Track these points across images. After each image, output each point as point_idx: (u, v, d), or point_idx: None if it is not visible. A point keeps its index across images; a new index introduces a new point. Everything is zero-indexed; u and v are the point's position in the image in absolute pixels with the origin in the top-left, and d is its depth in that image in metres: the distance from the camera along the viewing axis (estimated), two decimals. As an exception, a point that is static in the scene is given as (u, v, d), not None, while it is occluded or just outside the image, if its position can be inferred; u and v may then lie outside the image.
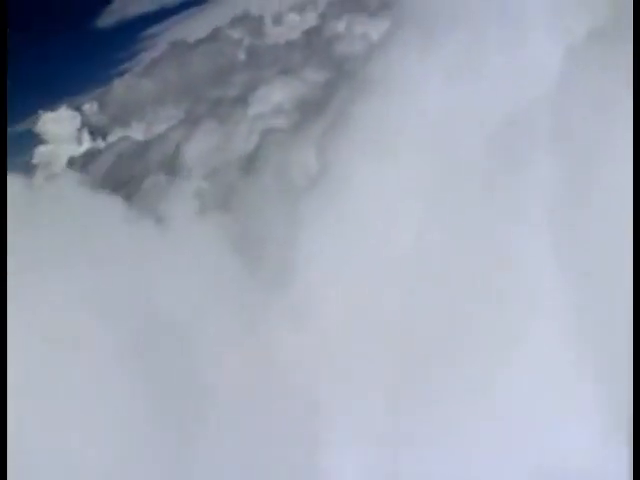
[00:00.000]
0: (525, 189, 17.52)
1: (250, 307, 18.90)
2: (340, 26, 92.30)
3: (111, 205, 20.58)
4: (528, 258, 16.32)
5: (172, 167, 74.21)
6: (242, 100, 78.99)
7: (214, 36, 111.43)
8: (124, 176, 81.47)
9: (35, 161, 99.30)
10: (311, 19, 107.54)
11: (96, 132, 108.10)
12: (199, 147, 72.18)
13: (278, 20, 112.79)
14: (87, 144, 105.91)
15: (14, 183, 18.38)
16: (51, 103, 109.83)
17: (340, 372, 16.37)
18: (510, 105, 18.49)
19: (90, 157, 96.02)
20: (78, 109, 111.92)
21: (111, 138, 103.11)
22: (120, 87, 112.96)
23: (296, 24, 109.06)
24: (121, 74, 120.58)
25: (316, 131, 24.94)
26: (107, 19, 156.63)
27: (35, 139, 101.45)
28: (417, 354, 15.94)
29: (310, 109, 63.75)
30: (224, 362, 17.10)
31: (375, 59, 24.53)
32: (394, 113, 20.13)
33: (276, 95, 74.93)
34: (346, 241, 18.93)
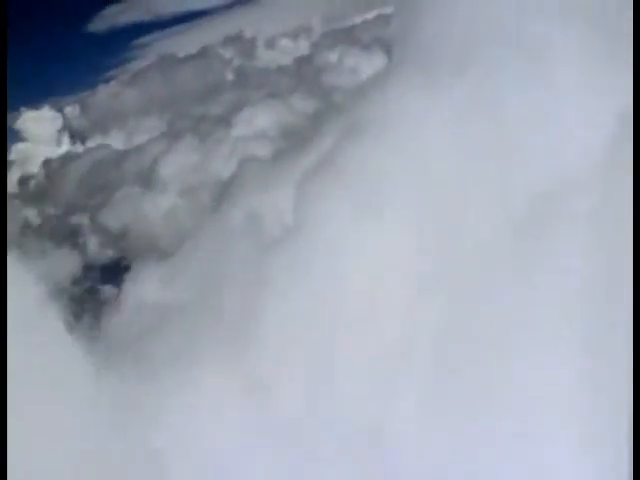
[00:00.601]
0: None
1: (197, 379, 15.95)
2: (332, 57, 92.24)
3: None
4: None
5: (148, 180, 73.21)
6: (226, 120, 78.33)
7: (204, 53, 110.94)
8: (99, 183, 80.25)
9: (12, 158, 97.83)
10: (304, 47, 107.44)
11: (76, 136, 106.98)
12: (177, 163, 71.28)
13: (271, 44, 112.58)
14: (66, 147, 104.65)
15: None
16: (34, 101, 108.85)
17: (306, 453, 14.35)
18: (538, 170, 15.27)
19: (67, 160, 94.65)
20: (60, 111, 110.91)
21: (90, 143, 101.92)
22: (104, 93, 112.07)
23: (288, 50, 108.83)
24: (107, 80, 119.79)
25: (297, 169, 22.15)
26: (99, 24, 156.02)
27: (14, 136, 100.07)
28: (388, 449, 14.05)
29: (294, 139, 63.15)
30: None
31: (370, 95, 21.96)
32: (388, 162, 17.40)
33: (261, 119, 74.34)
34: (313, 310, 16.02)
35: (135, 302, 24.67)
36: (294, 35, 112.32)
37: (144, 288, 24.81)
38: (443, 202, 16.30)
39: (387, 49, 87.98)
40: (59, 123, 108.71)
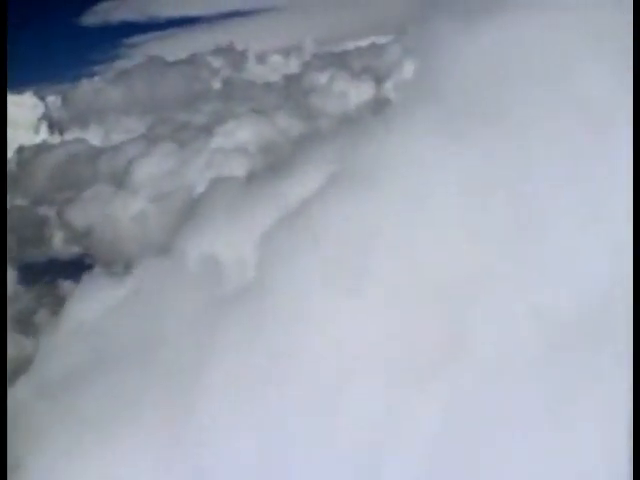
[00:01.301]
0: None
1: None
2: (321, 79, 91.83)
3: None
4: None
5: (120, 181, 71.83)
6: (207, 130, 77.29)
7: (193, 60, 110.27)
8: (70, 178, 78.74)
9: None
10: (294, 66, 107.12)
11: (55, 126, 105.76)
12: (152, 167, 70.01)
13: (261, 59, 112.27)
14: (43, 136, 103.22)
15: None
16: (18, 86, 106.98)
17: None
18: (566, 285, 12.12)
19: (42, 150, 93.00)
20: (43, 99, 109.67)
21: (68, 136, 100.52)
22: (88, 88, 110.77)
23: (278, 67, 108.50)
24: (91, 75, 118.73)
25: (269, 209, 18.94)
26: (92, 18, 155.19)
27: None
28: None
29: (273, 158, 62.27)
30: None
31: (369, 135, 17.62)
32: (376, 223, 14.06)
33: (242, 133, 73.37)
34: (264, 377, 13.45)
35: (75, 324, 22.40)
36: (285, 52, 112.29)
37: (87, 308, 22.53)
38: (436, 289, 13.10)
39: (377, 79, 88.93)
40: (40, 111, 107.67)
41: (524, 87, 14.52)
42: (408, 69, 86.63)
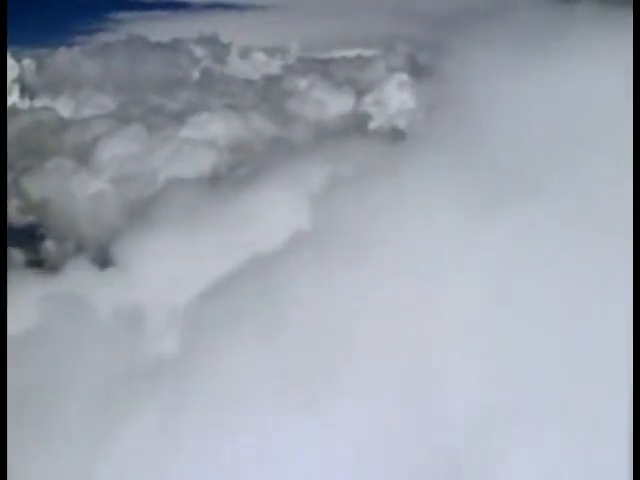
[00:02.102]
0: None
1: None
2: (302, 84, 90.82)
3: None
4: None
5: (84, 157, 70.09)
6: (179, 118, 75.98)
7: (175, 45, 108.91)
8: (32, 146, 76.60)
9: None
10: (276, 66, 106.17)
11: (26, 91, 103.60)
12: (118, 148, 68.42)
13: (245, 55, 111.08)
14: (13, 99, 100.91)
15: None
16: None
17: None
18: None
19: (10, 113, 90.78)
20: (19, 61, 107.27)
21: (38, 103, 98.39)
22: (65, 57, 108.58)
23: (260, 65, 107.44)
24: (70, 45, 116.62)
25: (216, 259, 15.99)
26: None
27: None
28: None
29: (242, 158, 61.12)
30: None
31: (361, 184, 14.83)
32: (349, 307, 11.69)
33: (214, 127, 72.21)
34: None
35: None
36: (269, 52, 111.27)
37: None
38: (413, 406, 11.10)
39: (358, 92, 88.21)
40: (14, 73, 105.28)
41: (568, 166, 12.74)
42: (391, 86, 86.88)
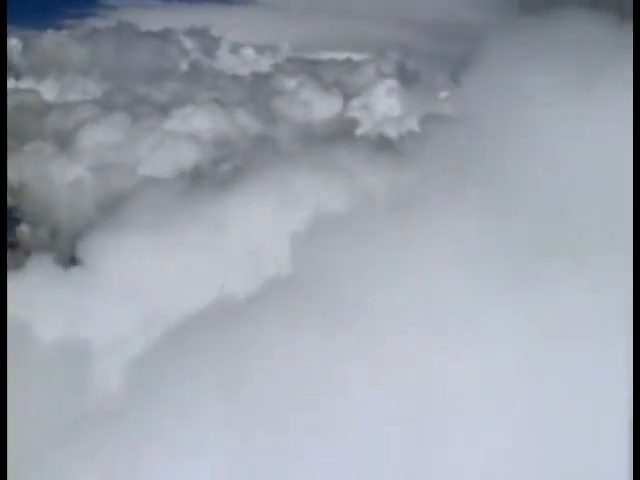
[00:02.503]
0: None
1: None
2: (290, 84, 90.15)
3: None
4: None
5: (64, 142, 69.02)
6: (164, 110, 75.06)
7: (166, 35, 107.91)
8: (13, 127, 75.41)
9: None
10: (266, 64, 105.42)
11: (11, 71, 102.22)
12: (100, 135, 67.42)
13: (235, 50, 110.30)
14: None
15: None
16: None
17: None
18: None
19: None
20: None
21: (22, 85, 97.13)
22: (52, 40, 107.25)
23: (249, 62, 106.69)
24: (59, 28, 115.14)
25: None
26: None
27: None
28: None
29: (224, 155, 60.19)
30: None
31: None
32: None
33: (199, 121, 71.41)
34: None
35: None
36: (260, 49, 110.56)
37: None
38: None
39: (346, 95, 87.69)
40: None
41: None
42: (379, 92, 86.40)
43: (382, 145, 52.73)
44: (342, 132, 72.36)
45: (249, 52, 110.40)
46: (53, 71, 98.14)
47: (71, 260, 21.69)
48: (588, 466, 10.18)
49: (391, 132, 68.28)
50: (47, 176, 63.13)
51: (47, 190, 61.83)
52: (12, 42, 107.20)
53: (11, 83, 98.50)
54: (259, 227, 14.07)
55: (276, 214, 14.40)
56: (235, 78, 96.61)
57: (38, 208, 60.64)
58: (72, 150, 66.66)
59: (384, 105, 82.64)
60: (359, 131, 75.41)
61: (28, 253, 54.15)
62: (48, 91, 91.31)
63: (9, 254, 50.61)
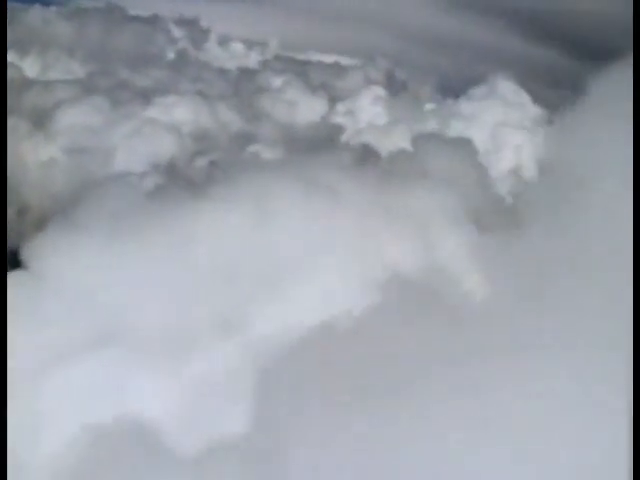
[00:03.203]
0: None
1: None
2: (275, 82, 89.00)
3: None
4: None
5: (40, 120, 67.43)
6: (145, 97, 73.61)
7: (154, 22, 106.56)
8: (-10, 102, 73.75)
9: None
10: (253, 60, 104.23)
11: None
12: (78, 117, 65.99)
13: (223, 43, 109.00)
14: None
15: None
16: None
17: None
18: None
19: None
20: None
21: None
22: (38, 16, 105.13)
23: (237, 56, 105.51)
24: (47, 4, 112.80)
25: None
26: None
27: None
28: None
29: (203, 147, 58.98)
30: None
31: None
32: None
33: (180, 112, 70.10)
34: None
35: None
36: (248, 44, 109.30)
37: None
38: None
39: (332, 99, 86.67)
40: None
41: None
42: (365, 98, 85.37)
43: (366, 156, 51.69)
44: (326, 138, 71.31)
45: (237, 46, 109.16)
46: (37, 47, 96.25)
47: (14, 261, 19.93)
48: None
49: (377, 144, 67.22)
50: (19, 155, 61.52)
51: (18, 170, 60.21)
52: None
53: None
54: (231, 240, 13.05)
55: (251, 227, 13.41)
56: (221, 71, 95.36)
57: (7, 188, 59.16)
58: (47, 129, 65.18)
59: (369, 112, 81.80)
60: (343, 138, 74.28)
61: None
62: (30, 67, 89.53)
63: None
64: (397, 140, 63.83)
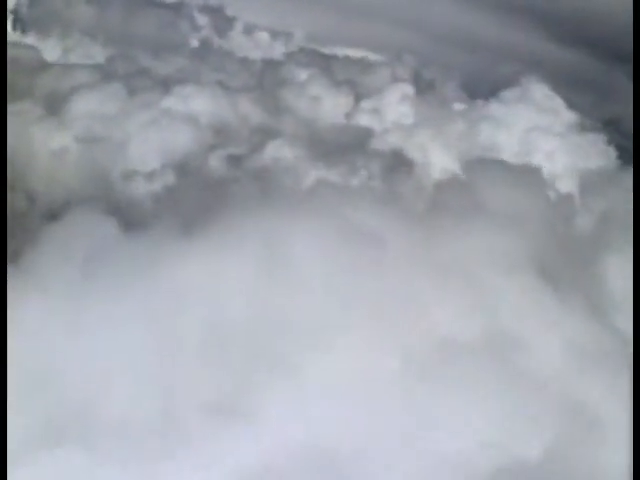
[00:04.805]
0: None
1: None
2: (301, 75, 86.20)
3: None
4: None
5: (57, 106, 65.04)
6: (165, 85, 71.10)
7: (179, 9, 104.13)
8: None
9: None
10: (278, 51, 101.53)
11: (18, 23, 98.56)
12: (93, 104, 63.59)
13: (248, 31, 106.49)
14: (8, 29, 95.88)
15: None
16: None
17: None
18: None
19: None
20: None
21: (28, 39, 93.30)
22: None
23: (262, 46, 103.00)
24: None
25: None
26: None
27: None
28: None
29: (223, 140, 56.64)
30: None
31: None
32: None
33: (199, 102, 67.54)
34: None
35: None
36: (274, 34, 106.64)
37: None
38: None
39: (357, 96, 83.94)
40: (12, 3, 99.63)
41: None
42: (393, 96, 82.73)
43: (397, 164, 48.89)
44: (352, 140, 68.40)
45: (263, 36, 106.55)
46: (58, 29, 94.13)
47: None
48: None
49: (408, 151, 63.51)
50: (30, 142, 59.07)
51: (28, 157, 57.76)
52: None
53: (17, 36, 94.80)
54: (230, 296, 10.23)
55: (257, 278, 10.55)
56: (244, 62, 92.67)
57: (15, 176, 56.66)
58: (61, 116, 62.75)
59: (396, 111, 79.04)
60: (372, 143, 71.07)
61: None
62: (49, 51, 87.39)
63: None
64: (443, 161, 61.16)
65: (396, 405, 9.87)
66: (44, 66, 78.48)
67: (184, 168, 52.24)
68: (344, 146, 63.10)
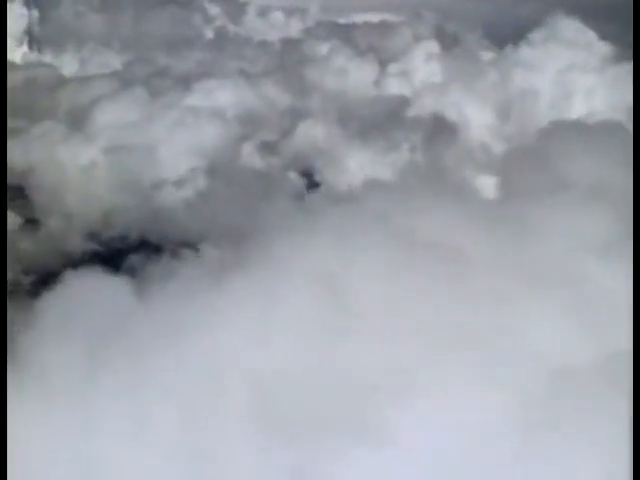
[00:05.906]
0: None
1: None
2: (322, 49, 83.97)
3: None
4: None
5: (78, 121, 63.64)
6: (185, 83, 69.38)
7: (189, 2, 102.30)
8: (23, 104, 69.30)
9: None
10: (295, 29, 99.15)
11: (34, 42, 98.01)
12: (117, 113, 62.10)
13: (262, 13, 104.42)
14: (24, 49, 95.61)
15: None
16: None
17: None
18: None
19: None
20: (29, 10, 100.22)
21: (45, 58, 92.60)
22: (69, 9, 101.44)
23: (278, 26, 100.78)
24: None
25: None
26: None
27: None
28: None
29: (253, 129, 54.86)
30: None
31: None
32: None
33: (223, 95, 65.78)
34: None
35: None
36: (288, 12, 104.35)
37: None
38: None
39: (382, 61, 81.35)
40: (24, 23, 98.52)
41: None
42: (418, 57, 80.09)
43: (439, 131, 46.31)
44: (386, 110, 65.82)
45: (277, 15, 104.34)
46: (72, 42, 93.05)
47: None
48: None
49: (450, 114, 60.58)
50: (57, 160, 57.68)
51: (57, 176, 56.38)
52: (34, 12, 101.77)
53: (33, 56, 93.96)
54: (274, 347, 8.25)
55: (307, 318, 8.49)
56: (263, 45, 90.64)
57: (46, 197, 55.26)
58: (86, 130, 61.30)
59: (424, 71, 76.46)
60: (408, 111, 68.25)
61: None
62: (66, 66, 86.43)
63: None
64: (481, 117, 58.53)
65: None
66: (62, 82, 77.27)
67: (216, 167, 50.56)
68: (378, 118, 60.83)
